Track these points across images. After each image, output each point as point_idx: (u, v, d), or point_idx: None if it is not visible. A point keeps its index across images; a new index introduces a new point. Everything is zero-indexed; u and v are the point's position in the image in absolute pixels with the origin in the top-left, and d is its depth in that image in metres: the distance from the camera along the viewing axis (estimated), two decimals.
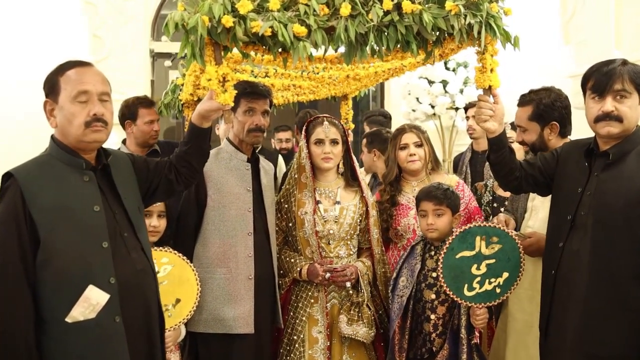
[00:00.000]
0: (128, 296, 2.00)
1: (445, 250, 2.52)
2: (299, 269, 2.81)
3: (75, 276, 1.91)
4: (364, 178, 3.15)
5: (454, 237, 2.52)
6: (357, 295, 2.83)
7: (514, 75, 2.36)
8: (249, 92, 2.76)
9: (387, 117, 5.04)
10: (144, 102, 3.74)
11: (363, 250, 3.00)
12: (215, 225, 2.71)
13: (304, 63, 2.50)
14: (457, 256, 2.50)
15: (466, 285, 2.53)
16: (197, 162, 2.31)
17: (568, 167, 2.39)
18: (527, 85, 2.90)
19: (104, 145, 2.12)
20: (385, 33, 2.32)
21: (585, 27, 4.70)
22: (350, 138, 3.39)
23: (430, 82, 5.90)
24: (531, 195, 2.78)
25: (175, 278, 2.51)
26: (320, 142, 2.85)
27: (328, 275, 2.75)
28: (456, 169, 4.70)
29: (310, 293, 2.85)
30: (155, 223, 2.65)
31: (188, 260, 2.56)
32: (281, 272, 2.89)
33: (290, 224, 2.89)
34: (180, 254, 2.56)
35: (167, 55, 6.62)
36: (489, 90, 2.37)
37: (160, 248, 2.54)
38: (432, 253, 2.81)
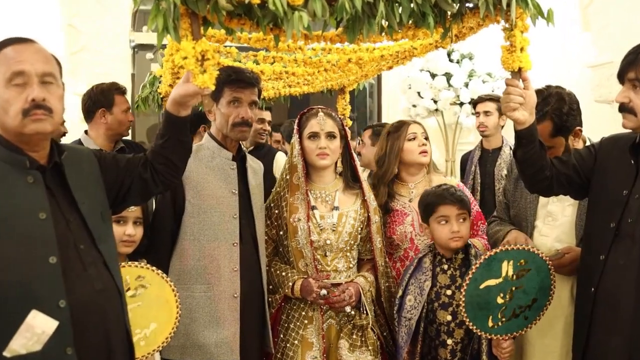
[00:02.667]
0: (83, 322, 1.74)
1: (467, 282, 2.25)
2: (290, 284, 2.56)
3: (15, 300, 1.66)
4: (366, 178, 2.89)
5: (477, 266, 2.26)
6: (359, 317, 2.55)
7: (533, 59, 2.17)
8: (234, 79, 2.48)
9: (352, 119, 5.01)
10: (120, 88, 3.51)
11: (364, 261, 2.74)
12: (194, 235, 2.45)
13: (299, 41, 2.10)
14: (482, 286, 2.26)
15: (490, 317, 2.29)
16: (177, 158, 2.03)
17: (609, 165, 2.16)
18: (542, 78, 2.70)
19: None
20: (398, 3, 2.00)
21: (607, 11, 4.42)
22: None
23: (433, 75, 5.74)
24: (543, 199, 2.51)
25: (152, 299, 2.24)
26: (314, 135, 2.59)
27: (324, 292, 2.50)
28: (464, 169, 4.55)
29: (303, 312, 2.59)
30: (131, 231, 2.39)
31: (168, 278, 2.28)
32: (270, 287, 2.63)
33: (281, 233, 2.64)
34: (159, 271, 2.28)
35: (149, 47, 6.31)
36: (518, 74, 2.11)
37: (135, 263, 2.27)
38: (445, 267, 2.53)
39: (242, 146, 2.64)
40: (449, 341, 2.46)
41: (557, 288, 2.34)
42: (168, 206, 2.45)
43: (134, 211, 2.38)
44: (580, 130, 2.53)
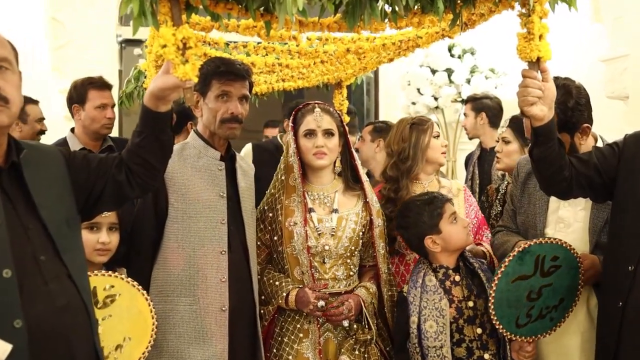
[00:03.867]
0: (43, 344, 1.58)
1: (499, 275, 2.15)
2: (284, 294, 2.42)
3: None
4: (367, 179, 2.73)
5: (510, 259, 2.16)
6: (362, 331, 2.39)
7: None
8: (223, 71, 2.33)
9: (353, 112, 4.92)
10: (95, 83, 3.37)
11: (366, 268, 2.60)
12: (178, 242, 2.31)
13: (293, 30, 1.91)
14: (513, 281, 2.18)
15: (518, 316, 2.20)
16: (155, 159, 1.88)
17: (636, 165, 2.03)
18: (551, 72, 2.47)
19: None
20: None
21: (621, 1, 4.23)
22: None
23: (433, 71, 5.60)
24: (553, 203, 2.39)
25: (123, 310, 2.13)
26: (311, 133, 2.47)
27: (322, 303, 2.36)
28: (466, 169, 4.43)
29: (298, 325, 2.45)
30: (105, 239, 2.25)
31: (139, 287, 2.16)
32: (263, 297, 2.49)
33: (276, 238, 2.51)
34: (130, 279, 2.15)
35: (137, 43, 6.03)
36: (536, 64, 1.97)
37: (103, 271, 2.13)
38: (457, 278, 2.36)
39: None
40: (486, 356, 2.28)
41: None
42: (149, 211, 2.31)
43: (108, 216, 2.25)
44: (589, 128, 2.36)
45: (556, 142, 2.01)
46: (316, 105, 2.52)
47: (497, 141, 3.27)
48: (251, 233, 2.45)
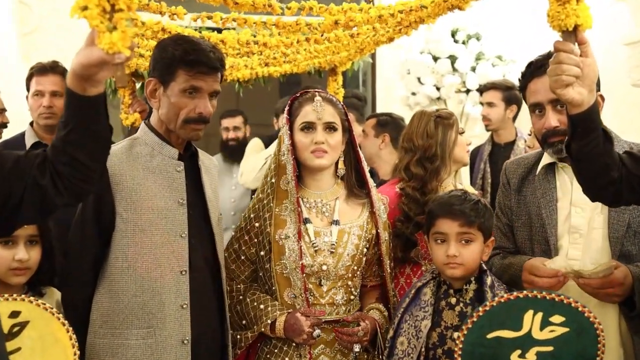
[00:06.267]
0: None
1: (470, 325, 1.85)
2: (269, 321, 2.16)
3: None
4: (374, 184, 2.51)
5: (487, 308, 1.86)
6: None
7: (547, 43, 1.83)
8: (193, 60, 2.01)
9: (362, 100, 4.85)
10: (41, 68, 3.18)
11: (367, 289, 2.35)
12: (128, 262, 2.02)
13: None
14: (490, 336, 1.87)
15: None
16: (87, 156, 1.61)
17: None
18: None
19: None
20: None
21: None
22: None
23: (435, 58, 5.39)
24: (562, 210, 2.13)
25: (35, 341, 1.90)
26: (309, 126, 2.21)
27: (317, 333, 2.11)
28: (473, 166, 4.25)
29: (287, 358, 2.19)
30: (23, 255, 2.06)
31: (54, 309, 1.92)
32: (244, 323, 2.23)
33: (263, 253, 2.25)
34: (41, 301, 1.91)
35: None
36: (572, 34, 1.65)
37: (6, 295, 1.90)
38: (452, 301, 2.08)
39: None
40: None
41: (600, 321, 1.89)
42: (90, 222, 2.02)
43: (25, 228, 2.02)
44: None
45: (600, 133, 1.69)
46: (317, 93, 2.26)
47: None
48: (219, 247, 2.18)
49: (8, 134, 3.42)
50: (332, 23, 2.34)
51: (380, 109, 6.06)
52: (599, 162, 1.73)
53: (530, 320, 1.87)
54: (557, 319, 1.86)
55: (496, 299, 1.87)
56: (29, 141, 3.09)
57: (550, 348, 1.87)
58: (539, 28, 2.42)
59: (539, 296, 1.86)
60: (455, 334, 1.96)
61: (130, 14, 1.43)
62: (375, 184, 3.26)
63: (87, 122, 1.56)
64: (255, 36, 2.81)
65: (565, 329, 1.86)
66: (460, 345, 1.84)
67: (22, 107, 3.28)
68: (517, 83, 2.37)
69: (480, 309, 1.86)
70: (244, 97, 4.91)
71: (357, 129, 4.03)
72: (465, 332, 1.85)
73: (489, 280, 2.07)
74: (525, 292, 1.90)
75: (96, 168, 1.65)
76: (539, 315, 1.86)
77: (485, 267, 2.11)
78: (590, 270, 1.95)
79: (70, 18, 1.52)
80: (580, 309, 1.86)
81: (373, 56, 5.29)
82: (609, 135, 1.70)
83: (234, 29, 2.65)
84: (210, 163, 2.27)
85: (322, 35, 2.70)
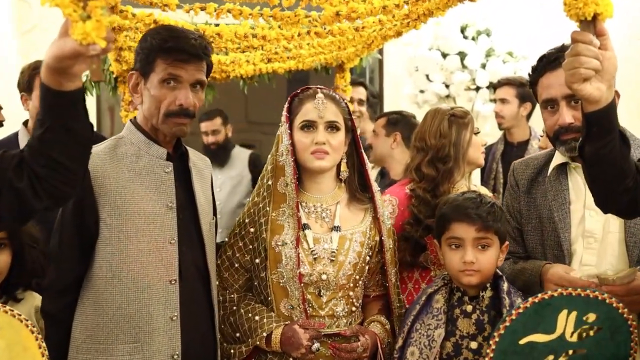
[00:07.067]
0: None
1: (502, 331, 1.77)
2: (265, 333, 2.06)
3: None
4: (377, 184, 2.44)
5: (520, 311, 1.78)
6: None
7: (562, 34, 1.75)
8: (171, 47, 1.92)
9: (377, 97, 4.88)
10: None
11: (370, 299, 2.26)
12: (113, 271, 1.92)
13: None
14: (523, 341, 1.80)
15: None
16: (66, 157, 1.55)
17: None
18: None
19: None
20: None
21: None
22: None
23: (444, 55, 5.30)
24: (575, 212, 2.06)
25: (2, 350, 1.82)
26: (309, 125, 2.12)
27: (317, 346, 2.02)
28: (484, 166, 4.10)
29: None
30: None
31: (22, 316, 1.82)
32: (237, 335, 2.13)
33: (258, 260, 2.14)
34: (9, 308, 1.82)
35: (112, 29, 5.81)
36: (591, 24, 1.56)
37: None
38: (468, 309, 1.99)
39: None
40: None
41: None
42: (68, 228, 1.92)
43: None
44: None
45: (617, 135, 1.58)
46: (318, 90, 2.16)
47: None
48: (211, 255, 2.07)
49: (4, 132, 3.37)
50: (334, 14, 2.22)
51: (387, 107, 6.02)
52: (614, 167, 1.63)
53: (565, 321, 1.81)
54: (591, 317, 1.81)
55: (530, 299, 1.80)
56: (23, 142, 3.02)
57: (583, 351, 1.82)
58: (553, 23, 2.37)
59: (573, 294, 1.80)
60: (486, 345, 1.89)
61: (103, 1, 1.32)
62: (386, 184, 3.16)
63: (64, 119, 1.49)
64: (254, 29, 2.73)
65: (598, 328, 1.81)
66: (492, 355, 1.76)
67: (20, 107, 3.23)
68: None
69: (514, 311, 1.79)
70: (250, 97, 4.81)
71: (370, 126, 3.97)
72: (497, 339, 1.78)
73: (505, 286, 1.98)
74: (559, 289, 1.83)
75: (76, 169, 1.58)
76: (573, 314, 1.80)
77: (500, 273, 2.02)
78: (615, 275, 1.88)
79: (42, 6, 1.41)
80: (614, 304, 1.81)
81: (380, 52, 5.23)
82: (626, 138, 1.61)
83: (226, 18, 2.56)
84: (202, 163, 2.16)
85: (324, 28, 2.60)
